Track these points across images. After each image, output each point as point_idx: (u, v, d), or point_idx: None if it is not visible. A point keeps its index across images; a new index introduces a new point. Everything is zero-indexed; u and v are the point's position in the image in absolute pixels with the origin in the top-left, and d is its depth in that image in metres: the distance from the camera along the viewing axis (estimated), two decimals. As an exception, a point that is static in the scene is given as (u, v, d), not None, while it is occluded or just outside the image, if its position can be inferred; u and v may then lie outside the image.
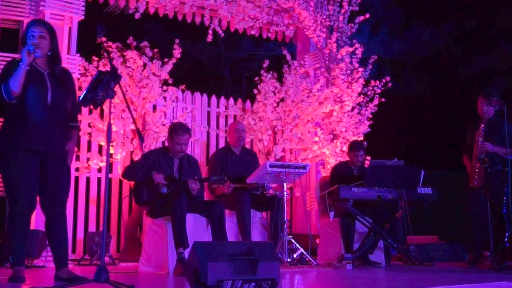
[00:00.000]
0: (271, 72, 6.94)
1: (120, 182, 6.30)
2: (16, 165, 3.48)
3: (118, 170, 6.17)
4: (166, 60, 6.21)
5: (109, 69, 3.39)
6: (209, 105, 7.12)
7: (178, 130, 4.95)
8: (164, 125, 6.16)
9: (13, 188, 3.50)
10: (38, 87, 3.54)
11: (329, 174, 6.19)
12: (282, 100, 6.95)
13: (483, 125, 5.41)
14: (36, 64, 3.59)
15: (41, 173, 3.58)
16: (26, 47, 3.49)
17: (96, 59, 5.94)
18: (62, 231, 3.68)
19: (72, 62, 5.61)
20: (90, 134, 6.05)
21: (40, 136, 3.53)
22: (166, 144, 5.38)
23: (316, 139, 7.02)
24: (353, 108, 7.27)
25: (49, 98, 3.55)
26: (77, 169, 6.05)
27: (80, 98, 3.33)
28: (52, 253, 3.68)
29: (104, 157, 5.91)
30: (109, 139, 3.32)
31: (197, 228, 4.80)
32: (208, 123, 7.07)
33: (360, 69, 7.33)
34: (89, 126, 6.05)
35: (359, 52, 7.37)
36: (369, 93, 7.32)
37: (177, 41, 6.27)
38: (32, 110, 3.51)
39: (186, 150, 5.11)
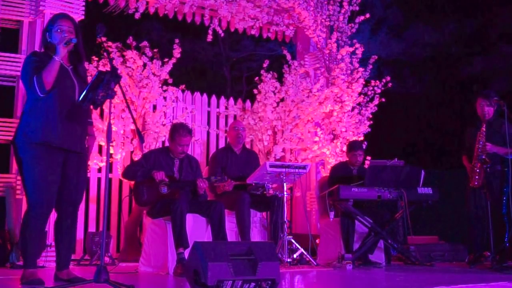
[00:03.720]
0: (271, 72, 6.94)
1: (120, 182, 6.30)
2: (38, 163, 3.36)
3: (118, 170, 6.17)
4: (166, 60, 6.21)
5: (109, 69, 3.37)
6: (209, 105, 7.12)
7: (179, 131, 4.94)
8: (164, 125, 6.15)
9: (33, 187, 3.37)
10: (64, 83, 3.44)
11: (328, 174, 6.18)
12: (282, 100, 6.94)
13: (484, 125, 5.41)
14: (61, 59, 3.44)
15: (61, 170, 3.48)
16: (64, 39, 3.38)
17: (96, 59, 5.94)
18: (71, 232, 3.62)
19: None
20: (90, 134, 6.04)
21: (66, 133, 3.42)
22: (166, 144, 5.37)
23: (316, 139, 7.01)
24: (353, 108, 7.27)
25: (77, 95, 3.45)
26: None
27: (80, 98, 3.30)
28: (56, 253, 3.61)
29: (104, 157, 5.91)
30: (109, 139, 3.31)
31: (197, 228, 4.80)
32: (208, 123, 7.07)
33: (360, 69, 7.33)
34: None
35: (359, 52, 7.38)
36: (369, 93, 7.32)
37: (177, 41, 6.27)
38: (59, 106, 3.39)
39: (187, 151, 5.12)
